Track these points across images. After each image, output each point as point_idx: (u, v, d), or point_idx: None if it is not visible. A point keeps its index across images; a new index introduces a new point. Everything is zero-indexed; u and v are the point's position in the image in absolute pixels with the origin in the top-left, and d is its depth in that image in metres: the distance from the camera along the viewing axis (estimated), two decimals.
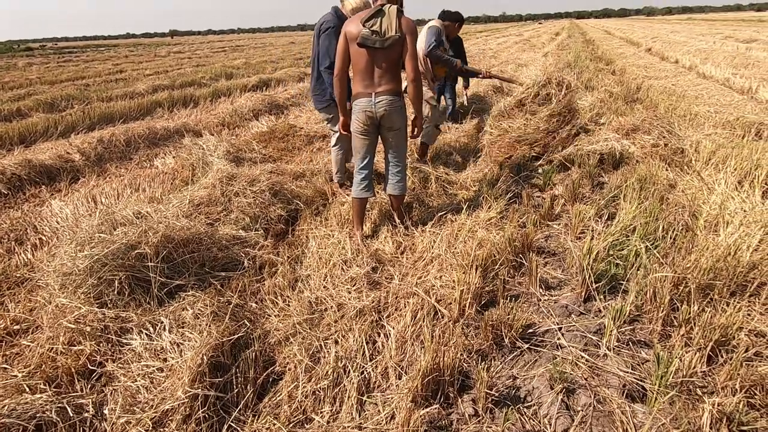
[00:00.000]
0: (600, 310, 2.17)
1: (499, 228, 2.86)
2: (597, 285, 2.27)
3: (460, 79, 6.52)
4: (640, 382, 1.72)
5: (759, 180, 3.34)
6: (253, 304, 2.33)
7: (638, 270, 2.29)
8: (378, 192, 3.35)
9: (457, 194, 3.61)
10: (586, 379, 1.75)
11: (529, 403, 1.69)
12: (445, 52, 3.96)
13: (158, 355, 1.91)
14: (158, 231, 2.43)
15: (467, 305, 2.16)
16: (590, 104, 5.92)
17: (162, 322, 2.06)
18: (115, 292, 2.17)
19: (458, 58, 5.79)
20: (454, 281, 2.27)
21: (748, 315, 2.02)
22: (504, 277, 2.42)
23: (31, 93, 9.16)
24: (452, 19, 4.20)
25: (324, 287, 2.42)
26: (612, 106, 6.13)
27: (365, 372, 1.86)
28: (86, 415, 1.68)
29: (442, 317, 2.15)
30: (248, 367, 1.85)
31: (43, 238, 3.21)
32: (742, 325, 1.92)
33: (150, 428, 1.60)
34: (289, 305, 2.31)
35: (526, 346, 1.97)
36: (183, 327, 2.04)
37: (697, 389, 1.67)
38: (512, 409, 1.64)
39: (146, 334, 2.01)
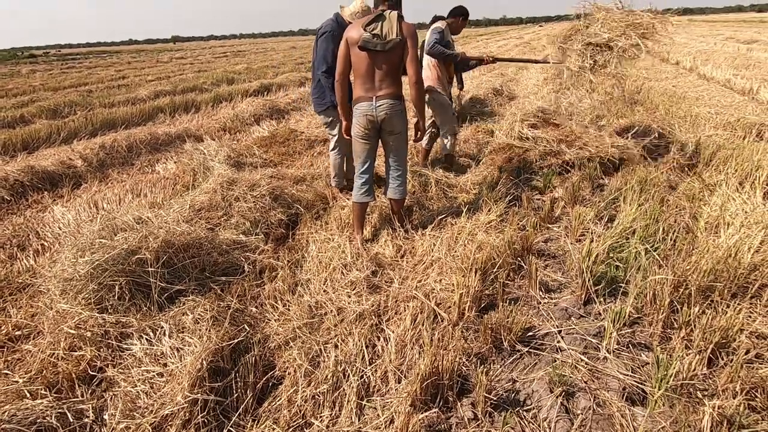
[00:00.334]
0: (600, 313, 2.17)
1: (498, 231, 2.86)
2: (597, 288, 2.27)
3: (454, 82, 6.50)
4: (640, 385, 1.71)
5: (760, 181, 3.33)
6: (253, 309, 2.34)
7: (638, 272, 2.28)
8: (378, 195, 3.36)
9: (457, 197, 3.61)
10: (585, 383, 1.74)
11: (528, 407, 1.69)
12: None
13: (158, 360, 1.91)
14: (158, 236, 2.44)
15: (467, 308, 2.16)
16: (590, 106, 5.92)
17: (162, 327, 2.06)
18: (116, 298, 2.18)
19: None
20: (453, 284, 2.26)
21: (749, 317, 2.01)
22: (503, 280, 2.42)
23: (35, 100, 9.22)
24: (456, 14, 4.08)
25: (324, 291, 2.43)
26: (612, 108, 6.13)
27: (365, 376, 1.86)
28: (86, 420, 1.68)
29: (442, 321, 2.15)
30: (248, 371, 1.85)
31: (45, 243, 3.23)
32: (743, 327, 1.91)
33: None
34: (289, 309, 2.31)
35: (526, 349, 1.96)
36: (183, 332, 2.04)
37: (698, 392, 1.66)
38: (511, 412, 1.63)
39: (146, 339, 2.02)
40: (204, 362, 1.81)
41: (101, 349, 2.00)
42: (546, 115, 5.07)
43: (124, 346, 2.02)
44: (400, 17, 2.66)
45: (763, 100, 6.57)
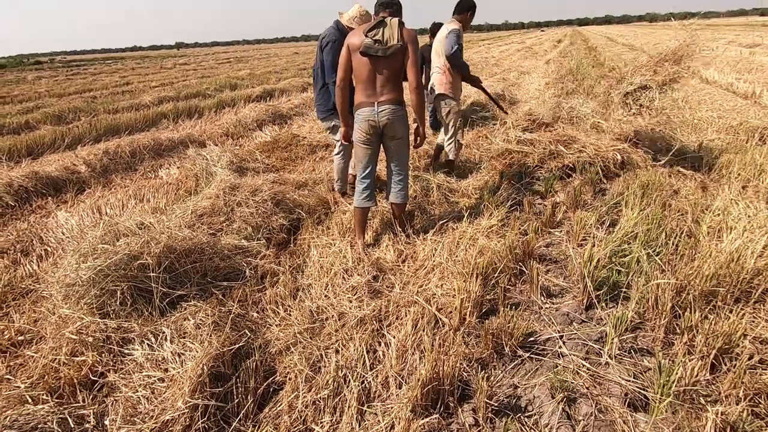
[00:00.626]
0: (602, 318, 2.16)
1: (500, 236, 2.86)
2: (598, 292, 2.26)
3: None
4: (642, 391, 1.70)
5: (763, 185, 3.32)
6: (255, 314, 2.34)
7: (640, 277, 2.27)
8: (379, 200, 3.37)
9: (458, 202, 3.61)
10: (587, 388, 1.74)
11: (529, 413, 1.68)
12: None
13: (159, 365, 1.92)
14: (160, 241, 2.45)
15: (468, 313, 2.16)
16: (592, 110, 5.92)
17: (163, 332, 2.07)
18: (118, 303, 2.19)
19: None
20: (454, 289, 2.26)
21: (753, 322, 2.00)
22: (505, 285, 2.41)
23: (40, 106, 9.31)
24: (465, 10, 3.94)
25: (325, 296, 2.43)
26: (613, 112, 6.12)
27: (365, 381, 1.85)
28: (87, 426, 1.69)
29: (443, 326, 2.14)
30: (249, 376, 1.86)
31: (49, 249, 3.24)
32: (746, 333, 1.90)
33: None
34: (290, 314, 2.31)
35: (527, 354, 1.95)
36: (184, 337, 2.05)
37: (701, 398, 1.65)
38: (513, 418, 1.62)
39: (148, 344, 2.02)
40: (205, 367, 1.81)
41: (103, 355, 2.01)
42: (534, 117, 5.09)
43: (126, 351, 2.02)
44: (401, 23, 2.69)
45: (765, 103, 6.56)
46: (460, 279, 2.32)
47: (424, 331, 2.07)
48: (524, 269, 2.55)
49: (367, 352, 1.99)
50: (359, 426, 1.67)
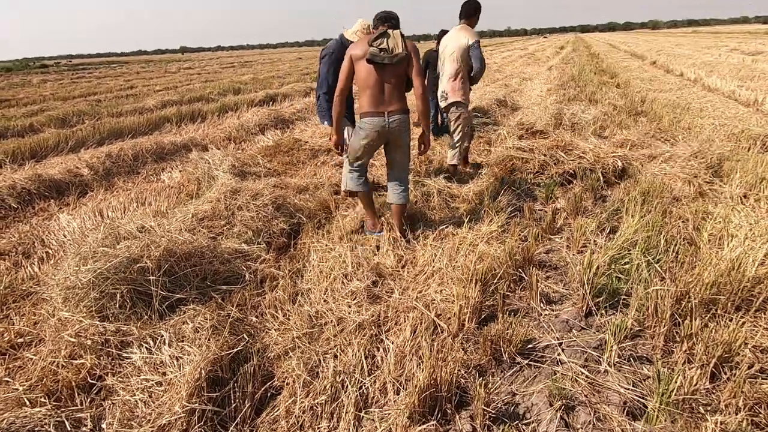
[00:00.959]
0: (601, 325, 2.15)
1: (500, 242, 2.86)
2: (598, 300, 2.25)
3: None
4: (641, 400, 1.69)
5: (764, 193, 3.31)
6: (253, 318, 2.34)
7: (639, 284, 2.27)
8: (380, 206, 3.38)
9: (459, 207, 3.61)
10: (586, 396, 1.73)
11: (527, 421, 1.67)
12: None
13: (157, 368, 1.92)
14: (161, 245, 2.46)
15: (467, 320, 2.15)
16: (594, 117, 5.93)
17: (162, 336, 2.07)
18: (117, 306, 2.19)
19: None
20: (454, 295, 2.26)
21: (753, 330, 1.99)
22: (504, 292, 2.41)
23: (44, 109, 9.38)
24: (472, 14, 3.98)
25: (324, 301, 2.43)
26: (616, 119, 6.14)
27: (363, 387, 1.85)
28: (84, 429, 1.68)
29: (442, 332, 2.14)
30: (246, 381, 1.85)
31: (50, 251, 3.26)
32: (746, 341, 1.89)
33: None
34: (289, 319, 2.31)
35: (526, 361, 1.95)
36: (183, 341, 2.05)
37: (700, 407, 1.63)
38: (510, 426, 1.62)
39: (146, 347, 2.02)
40: (203, 372, 1.81)
41: (101, 358, 2.01)
42: (528, 125, 5.13)
43: (124, 354, 2.02)
44: (403, 35, 2.78)
45: (767, 111, 6.55)
46: (459, 285, 2.32)
47: (422, 336, 2.07)
48: (524, 275, 2.55)
49: (366, 357, 1.98)
50: None
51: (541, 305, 2.34)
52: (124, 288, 2.24)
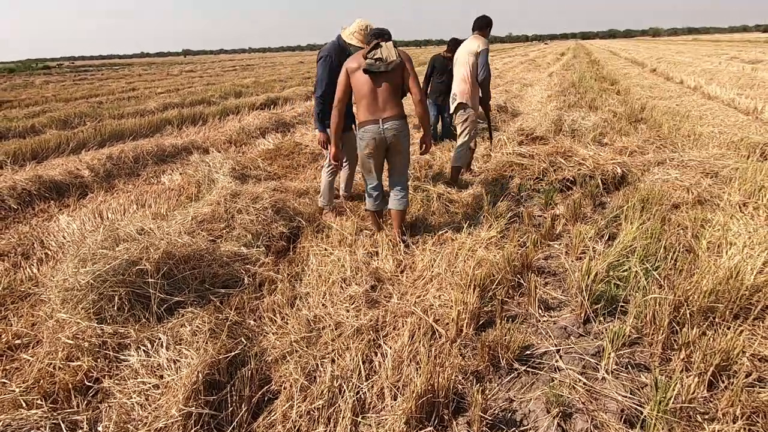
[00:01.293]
0: (599, 332, 2.15)
1: (499, 247, 2.86)
2: (596, 306, 2.25)
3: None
4: (638, 407, 1.69)
5: (763, 201, 3.32)
6: (252, 322, 2.34)
7: (638, 292, 2.27)
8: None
9: (458, 213, 3.62)
10: (583, 403, 1.72)
11: (524, 428, 1.66)
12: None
13: (155, 371, 1.92)
14: (160, 247, 2.47)
15: (465, 325, 2.15)
16: (594, 124, 5.95)
17: (160, 339, 2.07)
18: (115, 308, 2.19)
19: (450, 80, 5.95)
20: (452, 301, 2.26)
21: (751, 339, 1.99)
22: (502, 297, 2.41)
23: (46, 110, 9.40)
24: (483, 27, 4.15)
25: (323, 305, 2.43)
26: (616, 126, 6.16)
27: (361, 392, 1.84)
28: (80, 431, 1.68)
29: (440, 337, 2.14)
30: (243, 385, 1.85)
31: (49, 252, 3.26)
32: (744, 350, 1.89)
33: None
34: (287, 323, 2.31)
35: (523, 368, 1.94)
36: (180, 344, 2.05)
37: (697, 415, 1.63)
38: None
39: (144, 350, 2.02)
40: (200, 375, 1.80)
41: (98, 360, 2.01)
42: (528, 131, 5.15)
43: (122, 357, 2.02)
44: (395, 45, 2.85)
45: (767, 120, 6.57)
46: (457, 290, 2.32)
47: (420, 342, 2.06)
48: (522, 281, 2.55)
49: (363, 362, 1.98)
50: None
51: (540, 311, 2.34)
52: (123, 290, 2.24)
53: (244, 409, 1.77)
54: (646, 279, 2.34)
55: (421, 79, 4.56)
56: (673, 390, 1.63)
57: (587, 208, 3.62)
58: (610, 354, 1.90)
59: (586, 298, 2.25)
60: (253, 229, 3.14)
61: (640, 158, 4.58)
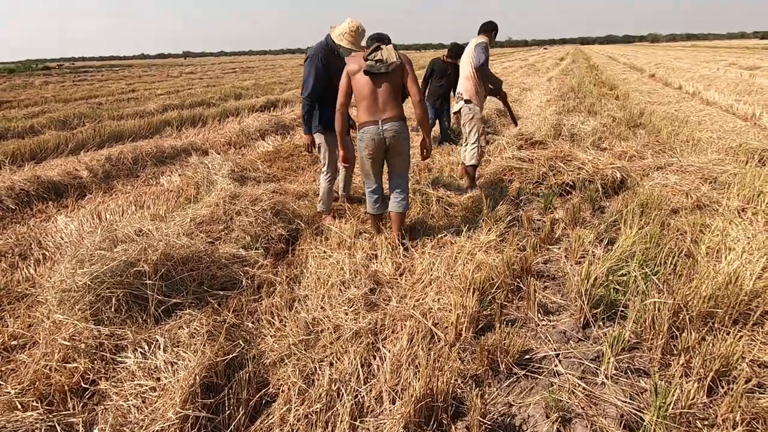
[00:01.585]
0: (598, 337, 2.14)
1: (498, 251, 2.85)
2: (596, 311, 2.25)
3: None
4: (638, 413, 1.68)
5: (762, 206, 3.32)
6: (250, 324, 2.33)
7: (637, 296, 2.26)
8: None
9: (457, 216, 3.61)
10: (582, 408, 1.72)
11: None
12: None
13: (152, 374, 1.90)
14: (158, 249, 2.45)
15: (464, 329, 2.14)
16: (593, 128, 5.96)
17: (157, 341, 2.05)
18: (112, 310, 2.18)
19: (453, 84, 5.97)
20: (451, 304, 2.25)
21: (751, 344, 1.99)
22: (502, 301, 2.40)
23: (45, 111, 9.39)
24: (488, 30, 4.23)
25: (321, 308, 2.42)
26: (615, 130, 6.17)
27: (359, 396, 1.83)
28: None
29: (439, 341, 2.13)
30: (241, 388, 1.84)
31: (47, 253, 3.24)
32: (744, 355, 1.88)
33: None
34: (285, 326, 2.30)
35: (523, 372, 1.94)
36: (178, 346, 2.03)
37: (697, 421, 1.63)
38: None
39: (141, 352, 2.01)
40: (197, 378, 1.79)
41: (95, 362, 2.00)
42: (527, 136, 5.17)
43: (119, 359, 2.01)
44: (395, 47, 2.86)
45: (765, 125, 6.59)
46: (457, 294, 2.31)
47: (419, 345, 2.06)
48: (522, 285, 2.54)
49: (362, 365, 1.97)
50: None
51: (539, 316, 2.33)
52: (120, 292, 2.22)
53: (241, 413, 1.75)
54: (645, 284, 2.34)
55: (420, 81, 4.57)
56: (673, 395, 1.63)
57: (586, 213, 3.62)
58: (609, 359, 1.90)
59: (586, 302, 2.24)
60: (251, 231, 3.13)
61: (639, 163, 4.59)
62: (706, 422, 1.63)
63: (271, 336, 2.23)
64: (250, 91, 13.16)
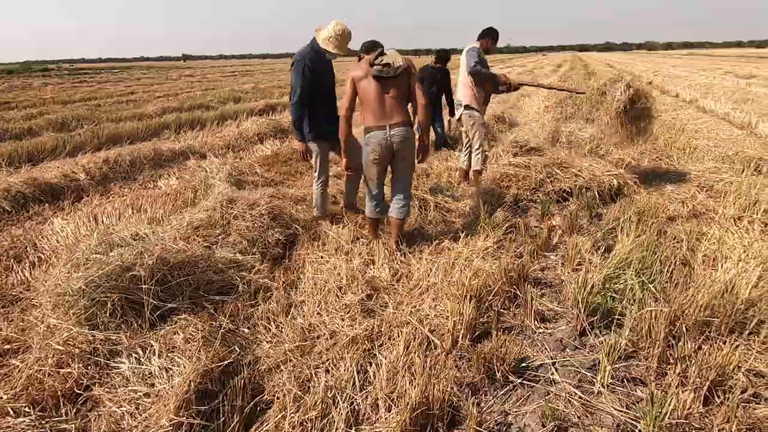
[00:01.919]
0: (595, 345, 2.14)
1: (495, 258, 2.85)
2: (592, 319, 2.25)
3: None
4: (634, 422, 1.68)
5: (758, 215, 3.34)
6: (245, 330, 2.32)
7: (633, 305, 2.27)
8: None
9: (455, 222, 3.62)
10: (579, 417, 1.71)
11: None
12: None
13: (146, 379, 1.89)
14: (154, 253, 2.44)
15: (460, 336, 2.14)
16: (590, 135, 5.99)
17: (152, 346, 2.04)
18: (107, 314, 2.16)
19: (443, 90, 5.97)
20: (448, 311, 2.25)
21: (747, 354, 1.99)
22: (498, 308, 2.40)
23: (44, 112, 9.37)
24: (486, 36, 4.25)
25: (318, 314, 2.41)
26: (612, 138, 6.19)
27: (355, 403, 1.82)
28: None
29: (435, 348, 2.12)
30: (236, 395, 1.82)
31: (42, 256, 3.22)
32: (740, 365, 1.88)
33: None
34: (281, 331, 2.29)
35: (519, 380, 1.93)
36: (173, 351, 2.02)
37: (693, 431, 1.62)
38: None
39: (135, 357, 1.99)
40: (192, 384, 1.78)
41: (89, 367, 1.98)
42: (524, 142, 5.19)
43: (113, 364, 1.99)
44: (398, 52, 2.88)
45: (761, 134, 6.63)
46: (453, 300, 2.31)
47: (415, 352, 2.05)
48: (518, 293, 2.54)
49: (358, 372, 1.96)
50: None
51: (536, 323, 2.33)
52: (116, 296, 2.21)
53: (236, 420, 1.74)
54: (642, 292, 2.34)
55: None
56: (669, 405, 1.63)
57: (583, 220, 3.63)
58: (605, 367, 1.89)
59: (582, 310, 2.24)
60: (249, 236, 3.12)
61: (636, 170, 4.61)
62: None
63: (267, 342, 2.22)
64: (249, 94, 13.18)
